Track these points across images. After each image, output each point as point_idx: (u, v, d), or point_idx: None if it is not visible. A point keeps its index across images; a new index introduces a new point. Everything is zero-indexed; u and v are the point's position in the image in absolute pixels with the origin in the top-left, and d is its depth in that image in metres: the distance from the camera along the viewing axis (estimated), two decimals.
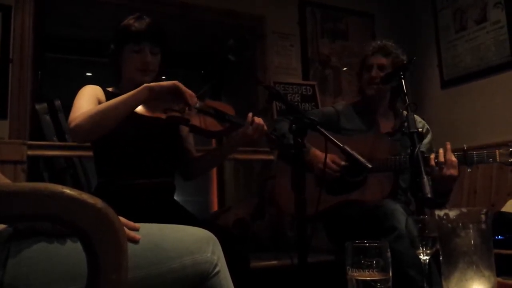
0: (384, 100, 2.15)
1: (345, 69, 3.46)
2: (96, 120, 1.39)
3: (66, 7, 3.18)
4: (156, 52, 1.65)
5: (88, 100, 1.51)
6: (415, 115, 1.71)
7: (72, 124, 1.40)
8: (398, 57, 2.10)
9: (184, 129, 1.75)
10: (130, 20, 1.63)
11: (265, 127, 1.63)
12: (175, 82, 1.44)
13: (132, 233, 0.94)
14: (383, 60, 2.08)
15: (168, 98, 1.46)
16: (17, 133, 2.44)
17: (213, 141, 4.05)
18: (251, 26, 3.28)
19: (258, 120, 1.63)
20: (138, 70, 1.62)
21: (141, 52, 1.61)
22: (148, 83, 1.64)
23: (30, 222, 0.88)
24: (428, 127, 2.13)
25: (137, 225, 0.98)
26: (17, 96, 2.48)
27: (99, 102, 1.57)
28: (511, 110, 2.93)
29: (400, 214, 1.64)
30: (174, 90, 1.44)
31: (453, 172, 1.73)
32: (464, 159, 1.74)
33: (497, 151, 1.72)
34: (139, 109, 1.52)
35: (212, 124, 1.60)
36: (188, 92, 1.45)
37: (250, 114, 1.63)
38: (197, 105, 1.59)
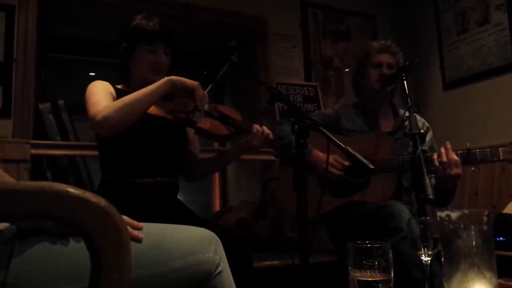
0: (386, 100, 2.15)
1: (347, 70, 3.46)
2: (122, 113, 1.40)
3: (69, 8, 3.19)
4: (168, 53, 1.67)
5: (104, 94, 1.51)
6: (415, 114, 1.71)
7: (98, 117, 1.39)
8: (401, 59, 2.11)
9: (191, 131, 1.76)
10: (141, 20, 1.63)
11: (271, 136, 1.64)
12: (196, 84, 1.48)
13: (136, 232, 0.94)
14: (391, 60, 2.08)
15: (182, 95, 1.50)
16: (20, 132, 2.45)
17: (215, 143, 4.05)
18: (253, 27, 3.29)
19: (264, 129, 1.64)
20: (150, 69, 1.63)
21: (155, 52, 1.62)
22: None
23: (33, 221, 0.89)
24: (428, 125, 2.13)
25: (140, 224, 0.98)
26: (20, 96, 2.49)
27: (113, 96, 1.57)
28: None
29: (406, 215, 1.64)
30: (191, 91, 1.48)
31: (457, 171, 1.73)
32: (468, 157, 1.75)
33: (500, 149, 1.72)
34: None
35: (217, 128, 1.60)
36: (201, 96, 1.49)
37: (256, 126, 1.64)
38: (206, 107, 1.59)
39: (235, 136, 1.65)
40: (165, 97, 1.56)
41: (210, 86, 1.53)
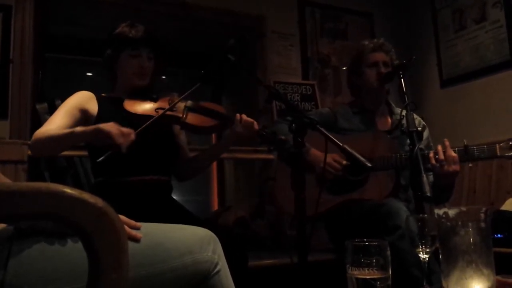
0: (383, 98, 2.16)
1: (344, 68, 3.46)
2: (44, 145, 1.46)
3: (66, 7, 3.18)
4: (152, 58, 1.69)
5: (64, 115, 1.55)
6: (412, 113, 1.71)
7: (31, 139, 1.48)
8: (394, 56, 2.11)
9: (176, 127, 1.77)
10: (124, 28, 1.67)
11: (255, 125, 1.64)
12: (109, 126, 1.37)
13: (134, 232, 0.94)
14: (386, 58, 2.08)
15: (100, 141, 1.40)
16: (17, 133, 2.45)
17: (213, 140, 4.05)
18: (251, 26, 3.29)
19: (246, 117, 1.64)
20: (135, 74, 1.66)
21: (138, 57, 1.65)
22: (145, 86, 1.66)
23: (31, 221, 0.89)
24: (424, 123, 2.13)
25: (138, 224, 0.98)
26: (17, 96, 2.49)
27: (85, 112, 1.59)
28: (510, 109, 2.93)
29: (404, 213, 1.64)
30: (104, 134, 1.36)
31: (455, 167, 1.74)
32: (465, 154, 1.75)
33: (497, 145, 1.72)
34: (132, 107, 1.55)
35: (202, 121, 1.63)
36: (118, 134, 1.36)
37: (238, 114, 1.65)
38: (189, 103, 1.63)
39: (220, 127, 1.67)
40: (148, 97, 1.62)
41: (197, 84, 1.53)
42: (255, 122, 1.64)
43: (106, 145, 1.37)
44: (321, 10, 3.52)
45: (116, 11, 2.95)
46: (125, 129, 1.38)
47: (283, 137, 1.48)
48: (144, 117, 1.57)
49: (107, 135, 1.35)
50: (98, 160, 1.38)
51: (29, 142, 2.23)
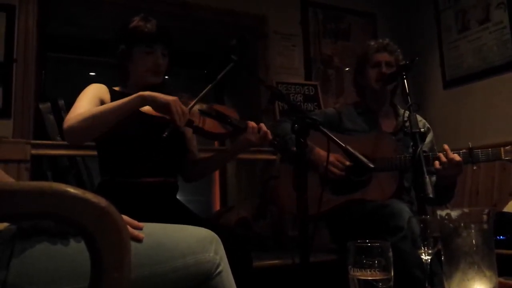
0: (386, 99, 2.15)
1: (347, 69, 3.46)
2: (87, 123, 1.40)
3: (69, 7, 3.18)
4: (166, 54, 1.67)
5: (89, 101, 1.51)
6: (416, 114, 1.72)
7: (65, 125, 1.41)
8: (400, 56, 2.11)
9: (188, 131, 1.76)
10: (139, 22, 1.64)
11: (269, 135, 1.63)
12: (172, 99, 1.41)
13: (136, 232, 0.94)
14: (390, 58, 2.08)
15: (159, 111, 1.44)
16: (20, 132, 2.45)
17: (216, 142, 4.05)
18: (253, 26, 3.28)
19: (261, 126, 1.63)
20: (149, 71, 1.64)
21: (153, 54, 1.63)
22: (158, 83, 1.65)
23: (33, 221, 0.89)
24: (428, 125, 2.13)
25: (140, 224, 0.98)
26: (21, 96, 2.49)
27: (103, 102, 1.57)
28: None
29: (406, 214, 1.64)
30: (165, 107, 1.41)
31: (457, 170, 1.74)
32: (470, 157, 1.75)
33: (501, 149, 1.72)
34: (144, 108, 1.54)
35: (215, 127, 1.61)
36: (179, 112, 1.41)
37: (251, 122, 1.64)
38: (204, 107, 1.61)
39: (232, 134, 1.66)
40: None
41: (209, 86, 1.52)
42: (269, 132, 1.63)
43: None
44: (324, 11, 3.51)
45: (116, 11, 2.94)
46: (180, 109, 1.41)
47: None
48: (155, 117, 1.57)
49: (169, 112, 1.40)
50: (163, 136, 1.37)
51: (32, 141, 2.25)
